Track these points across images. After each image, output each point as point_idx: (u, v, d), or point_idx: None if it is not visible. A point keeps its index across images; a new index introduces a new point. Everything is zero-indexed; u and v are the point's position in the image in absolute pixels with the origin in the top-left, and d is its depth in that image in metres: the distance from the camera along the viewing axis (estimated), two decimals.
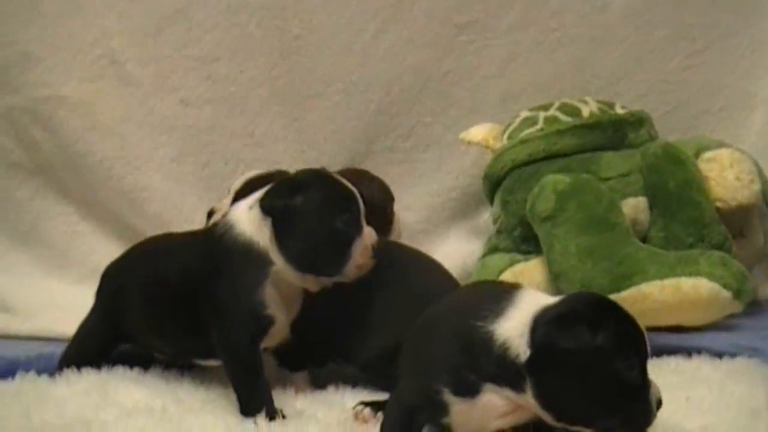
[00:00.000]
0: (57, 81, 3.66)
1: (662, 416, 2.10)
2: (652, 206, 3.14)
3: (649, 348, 1.83)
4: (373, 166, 3.69)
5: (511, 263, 3.17)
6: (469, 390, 1.88)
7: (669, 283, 2.86)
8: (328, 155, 3.72)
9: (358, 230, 2.35)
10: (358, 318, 2.54)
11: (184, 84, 3.69)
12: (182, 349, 2.58)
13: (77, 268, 3.59)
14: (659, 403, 1.84)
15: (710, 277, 2.86)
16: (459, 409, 1.91)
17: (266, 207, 2.33)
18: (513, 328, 1.84)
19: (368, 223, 2.40)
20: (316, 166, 3.52)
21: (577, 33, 3.71)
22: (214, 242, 2.42)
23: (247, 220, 2.38)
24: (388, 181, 3.61)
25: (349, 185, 2.39)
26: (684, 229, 3.06)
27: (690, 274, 2.86)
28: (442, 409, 1.92)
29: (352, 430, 2.19)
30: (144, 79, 3.67)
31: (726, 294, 2.88)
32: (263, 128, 3.72)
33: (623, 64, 3.72)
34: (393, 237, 3.35)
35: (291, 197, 2.32)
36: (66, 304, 3.12)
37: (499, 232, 3.31)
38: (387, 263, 2.49)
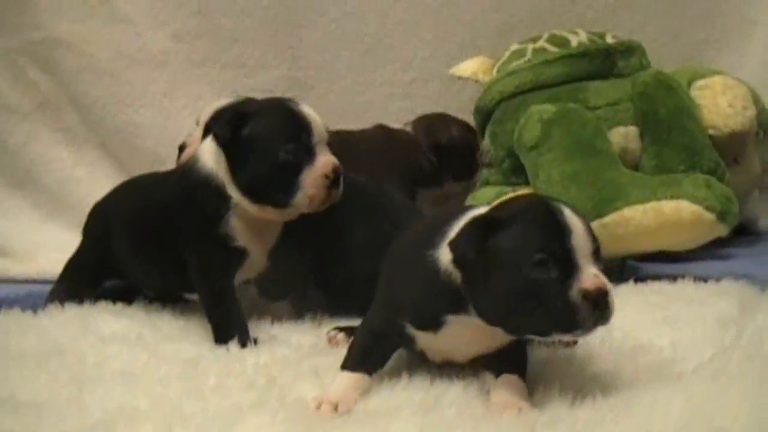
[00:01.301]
0: (51, 22, 3.66)
1: (635, 334, 2.12)
2: (643, 134, 3.08)
3: (575, 244, 1.71)
4: (374, 98, 3.73)
5: (499, 195, 3.10)
6: (431, 323, 1.86)
7: (651, 206, 2.80)
8: (324, 82, 3.73)
9: (308, 159, 2.29)
10: (330, 248, 2.53)
11: (175, 19, 3.67)
12: (167, 284, 2.59)
13: (72, 212, 3.58)
14: (600, 300, 1.70)
15: (692, 199, 2.79)
16: (425, 340, 1.89)
17: (216, 138, 2.32)
18: None
19: (336, 154, 2.36)
20: (311, 93, 3.63)
21: None
22: (183, 176, 2.42)
23: (209, 153, 2.36)
24: (388, 115, 3.61)
25: (305, 113, 2.32)
26: (676, 156, 3.00)
27: (672, 197, 2.80)
28: (409, 340, 1.91)
29: (324, 352, 2.18)
30: (135, 16, 3.66)
31: (709, 216, 2.80)
32: (255, 58, 3.71)
33: None
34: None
35: (239, 128, 2.29)
36: (62, 248, 3.10)
37: (489, 165, 3.27)
38: (358, 198, 2.50)
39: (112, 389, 1.90)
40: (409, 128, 3.44)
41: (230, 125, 2.29)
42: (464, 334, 1.85)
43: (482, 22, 3.69)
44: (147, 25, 3.66)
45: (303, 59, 3.73)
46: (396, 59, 3.74)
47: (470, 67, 3.42)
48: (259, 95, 3.35)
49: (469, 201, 3.25)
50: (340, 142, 2.70)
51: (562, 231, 1.73)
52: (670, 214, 2.79)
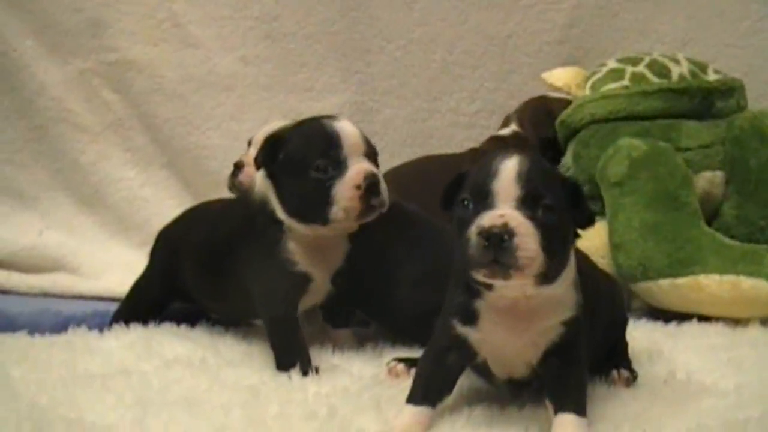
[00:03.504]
0: (124, 45, 3.75)
1: (698, 376, 2.10)
2: (729, 180, 3.04)
3: (498, 187, 1.74)
4: (439, 125, 3.77)
5: None
6: (470, 315, 1.87)
7: (728, 279, 2.73)
8: (390, 107, 3.77)
9: (339, 173, 2.26)
10: (380, 281, 2.52)
11: (243, 43, 3.74)
12: (234, 310, 2.62)
13: (138, 232, 3.67)
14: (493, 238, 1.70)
15: None
16: (476, 340, 1.89)
17: (256, 165, 2.35)
18: None
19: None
20: (376, 118, 3.72)
21: None
22: (245, 204, 2.45)
23: (260, 179, 2.39)
24: (452, 142, 3.64)
25: (334, 127, 2.29)
26: (758, 211, 2.98)
27: (751, 274, 2.72)
28: (465, 344, 1.90)
29: (385, 383, 2.19)
30: (205, 41, 3.73)
31: None
32: (323, 82, 3.76)
33: (689, 28, 3.66)
34: None
35: (275, 153, 2.31)
36: (127, 266, 3.18)
37: None
38: (407, 230, 2.51)
39: (176, 415, 1.92)
40: (514, 123, 3.47)
41: (266, 151, 2.32)
42: (500, 320, 1.86)
43: (548, 55, 3.71)
44: (216, 49, 3.73)
45: (369, 84, 3.78)
46: (462, 89, 3.76)
47: (564, 77, 3.35)
48: None
49: None
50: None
51: (487, 173, 1.76)
52: (747, 290, 2.72)
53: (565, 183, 1.83)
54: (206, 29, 3.72)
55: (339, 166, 2.26)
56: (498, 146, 3.37)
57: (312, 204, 2.28)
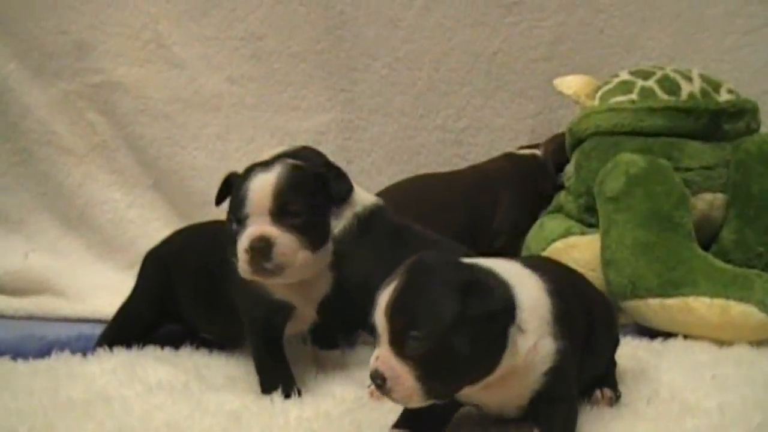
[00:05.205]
0: (109, 66, 3.73)
1: (682, 395, 2.09)
2: (730, 204, 3.02)
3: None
4: (426, 143, 3.75)
5: (566, 234, 3.07)
6: None
7: (718, 303, 2.68)
8: (377, 125, 3.75)
9: (239, 230, 2.25)
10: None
11: (229, 63, 3.73)
12: (227, 330, 2.62)
13: (125, 254, 3.65)
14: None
15: (761, 306, 2.65)
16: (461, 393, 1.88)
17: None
18: None
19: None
20: (363, 136, 3.72)
21: (626, 12, 3.65)
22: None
23: None
24: (440, 159, 3.63)
25: (248, 183, 2.25)
26: (757, 238, 2.95)
27: (741, 299, 2.67)
28: None
29: (367, 407, 2.17)
30: (191, 61, 3.72)
31: None
32: (309, 101, 3.75)
33: (675, 44, 3.64)
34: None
35: (226, 192, 2.35)
36: (113, 288, 3.16)
37: (568, 191, 3.21)
38: (408, 242, 2.50)
39: None
40: (540, 149, 3.49)
41: (220, 190, 2.36)
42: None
43: (534, 72, 3.70)
44: (202, 69, 3.72)
45: (356, 102, 3.76)
46: (449, 106, 3.75)
47: (574, 85, 3.29)
48: (312, 137, 3.45)
49: (539, 226, 3.22)
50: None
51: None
52: (736, 316, 2.66)
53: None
54: (191, 50, 3.70)
55: (241, 224, 2.25)
56: (508, 162, 3.43)
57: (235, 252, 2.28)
